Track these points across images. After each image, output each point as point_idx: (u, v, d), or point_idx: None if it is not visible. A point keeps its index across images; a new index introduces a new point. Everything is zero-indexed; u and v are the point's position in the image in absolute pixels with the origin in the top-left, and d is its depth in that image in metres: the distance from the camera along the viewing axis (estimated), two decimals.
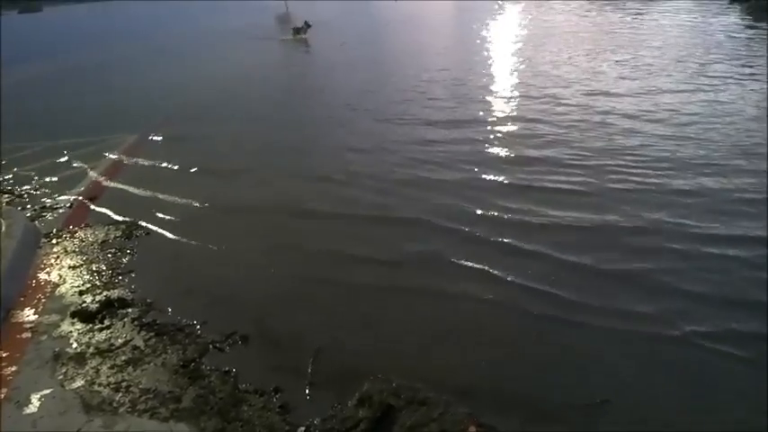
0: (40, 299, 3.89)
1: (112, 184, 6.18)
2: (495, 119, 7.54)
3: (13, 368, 3.15)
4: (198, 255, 4.46)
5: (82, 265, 4.36)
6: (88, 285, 4.04)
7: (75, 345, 3.36)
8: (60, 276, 4.20)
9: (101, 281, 4.10)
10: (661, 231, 4.25)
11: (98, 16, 40.85)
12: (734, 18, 15.85)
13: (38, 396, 2.92)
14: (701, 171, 5.33)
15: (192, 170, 6.41)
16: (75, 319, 3.60)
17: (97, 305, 3.73)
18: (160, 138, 7.99)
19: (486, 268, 3.88)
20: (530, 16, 20.56)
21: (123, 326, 3.53)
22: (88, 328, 3.52)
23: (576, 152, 6.02)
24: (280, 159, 6.60)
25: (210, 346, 3.28)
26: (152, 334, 3.41)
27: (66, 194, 5.95)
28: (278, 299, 3.79)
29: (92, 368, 3.13)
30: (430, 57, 13.53)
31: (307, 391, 2.88)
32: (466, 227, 4.49)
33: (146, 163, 6.83)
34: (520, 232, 4.35)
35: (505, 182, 5.36)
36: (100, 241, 4.75)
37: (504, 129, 7.08)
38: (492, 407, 2.69)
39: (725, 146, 5.94)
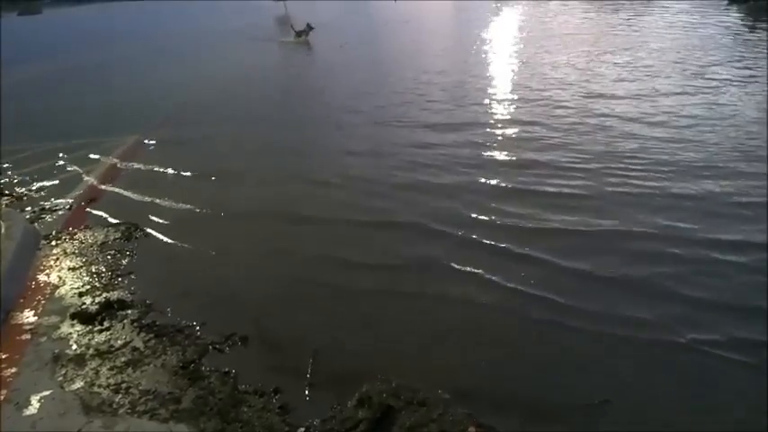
0: (39, 300, 3.89)
1: (112, 187, 6.18)
2: (493, 122, 7.53)
3: (13, 370, 3.16)
4: (197, 257, 4.46)
5: (81, 266, 4.36)
6: (88, 287, 4.04)
7: (74, 346, 3.36)
8: (60, 278, 4.20)
9: (100, 282, 4.10)
10: (660, 236, 4.23)
11: (98, 17, 40.86)
12: (733, 18, 15.88)
13: (37, 397, 2.92)
14: (701, 174, 5.30)
15: (191, 172, 6.40)
16: (75, 321, 3.61)
17: (97, 307, 3.73)
18: (159, 139, 7.99)
19: (484, 273, 3.86)
20: (528, 17, 20.59)
21: (123, 327, 3.53)
22: (88, 329, 3.53)
23: (575, 155, 6.00)
24: (278, 162, 6.59)
25: (210, 347, 3.28)
26: (151, 335, 3.41)
27: (65, 196, 5.95)
28: (276, 301, 3.79)
29: (91, 369, 3.13)
30: (429, 58, 13.55)
31: (306, 392, 2.89)
32: (464, 231, 4.48)
33: (145, 165, 6.83)
34: (518, 237, 4.32)
35: (504, 186, 5.35)
36: (99, 243, 4.75)
37: (503, 132, 7.07)
38: (491, 407, 2.70)
39: (725, 149, 5.92)
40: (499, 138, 6.86)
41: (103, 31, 29.33)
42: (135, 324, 3.55)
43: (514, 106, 8.27)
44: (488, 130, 7.19)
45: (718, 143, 6.09)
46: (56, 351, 3.30)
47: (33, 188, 6.28)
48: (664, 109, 7.47)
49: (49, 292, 4.01)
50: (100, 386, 2.99)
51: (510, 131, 7.06)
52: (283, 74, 13.67)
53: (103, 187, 6.16)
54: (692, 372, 2.87)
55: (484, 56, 13.02)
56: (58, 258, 4.52)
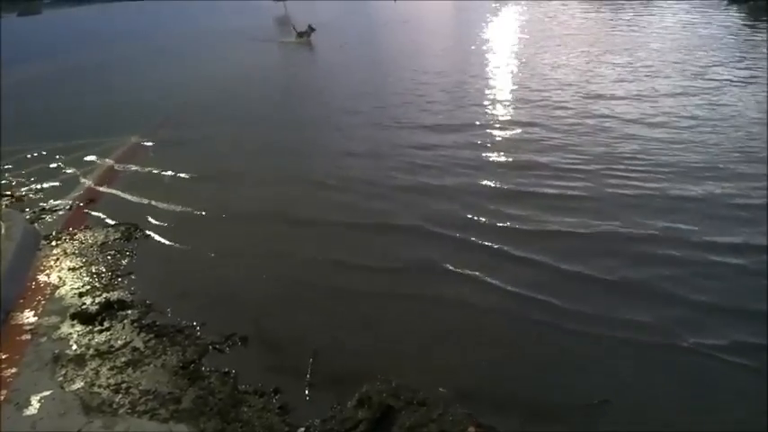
0: (39, 301, 3.89)
1: (112, 187, 6.18)
2: (493, 123, 7.52)
3: (13, 370, 3.16)
4: (197, 258, 4.46)
5: (81, 267, 4.37)
6: (88, 287, 4.04)
7: (74, 346, 3.36)
8: (60, 278, 4.20)
9: (100, 283, 4.11)
10: (660, 238, 4.21)
11: (98, 18, 40.88)
12: (733, 18, 15.89)
13: (38, 398, 2.92)
14: (701, 176, 5.28)
15: (191, 173, 6.39)
16: (75, 321, 3.61)
17: (97, 307, 3.73)
18: (159, 139, 7.99)
19: (484, 275, 3.85)
20: (527, 17, 20.60)
21: (123, 327, 3.53)
22: (88, 329, 3.53)
23: (574, 157, 5.99)
24: (278, 163, 6.59)
25: (210, 348, 3.29)
26: (152, 335, 3.42)
27: (65, 197, 5.95)
28: (276, 301, 3.80)
29: (91, 370, 3.13)
30: (428, 58, 13.56)
31: (306, 392, 2.89)
32: (464, 233, 4.47)
33: (145, 165, 6.82)
34: (518, 239, 4.31)
35: (504, 187, 5.33)
36: (99, 243, 4.76)
37: (503, 133, 7.06)
38: (491, 407, 2.71)
39: (725, 150, 5.90)
40: (499, 139, 6.86)
41: (103, 31, 29.35)
42: (135, 324, 3.55)
43: (514, 107, 8.27)
44: (488, 131, 7.19)
45: (719, 144, 6.08)
46: (56, 351, 3.31)
47: (33, 189, 6.28)
48: (664, 110, 7.46)
49: (49, 292, 4.01)
50: (100, 386, 2.99)
51: (509, 133, 7.06)
52: (283, 74, 13.68)
53: (103, 188, 6.16)
54: (692, 374, 2.87)
55: (483, 56, 13.02)
56: (58, 259, 4.52)
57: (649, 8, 19.71)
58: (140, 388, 2.96)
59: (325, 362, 3.11)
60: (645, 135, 6.52)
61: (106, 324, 3.57)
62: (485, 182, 5.49)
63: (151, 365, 3.14)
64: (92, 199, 5.81)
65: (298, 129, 8.11)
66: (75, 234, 4.97)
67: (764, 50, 10.90)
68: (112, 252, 4.58)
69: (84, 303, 3.81)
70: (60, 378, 3.07)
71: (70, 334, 3.49)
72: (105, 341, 3.39)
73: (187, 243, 4.69)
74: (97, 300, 3.84)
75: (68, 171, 6.78)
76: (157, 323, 3.55)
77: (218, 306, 3.74)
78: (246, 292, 3.91)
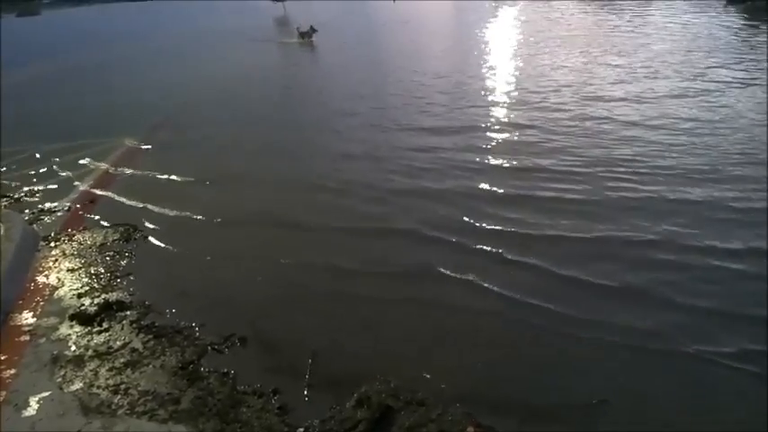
0: (38, 302, 3.89)
1: (111, 188, 6.17)
2: (491, 125, 7.49)
3: (12, 371, 3.16)
4: (195, 260, 4.45)
5: (80, 267, 4.36)
6: (86, 288, 4.04)
7: (73, 347, 3.36)
8: (59, 279, 4.20)
9: (99, 284, 4.11)
10: (659, 242, 4.19)
11: (97, 18, 40.85)
12: (732, 19, 15.90)
13: (36, 399, 2.93)
14: (701, 179, 5.25)
15: (189, 175, 6.37)
16: (74, 322, 3.61)
17: (96, 308, 3.73)
18: (158, 141, 7.97)
19: (482, 280, 3.82)
20: (526, 17, 20.61)
21: (122, 328, 3.53)
22: (87, 330, 3.53)
23: (573, 160, 5.96)
24: (277, 166, 6.54)
25: (209, 348, 3.29)
26: (150, 336, 3.42)
27: (64, 198, 5.95)
28: (275, 304, 3.79)
29: (90, 370, 3.14)
30: (427, 59, 13.55)
31: (305, 393, 2.90)
32: (462, 237, 4.44)
33: (144, 166, 6.81)
34: (516, 243, 4.29)
35: (502, 191, 5.30)
36: (98, 244, 4.76)
37: (502, 135, 7.04)
38: (490, 408, 2.71)
39: (725, 152, 5.87)
40: (497, 141, 6.84)
41: (103, 31, 29.27)
42: (134, 325, 3.55)
43: (513, 109, 8.25)
44: (486, 133, 7.16)
45: (719, 146, 6.05)
46: (55, 352, 3.31)
47: (32, 190, 6.27)
48: (663, 112, 7.44)
49: (48, 293, 4.01)
50: (99, 387, 2.99)
51: (508, 135, 7.03)
52: (282, 74, 13.66)
53: (102, 189, 6.15)
54: (691, 379, 2.86)
55: (482, 57, 13.03)
56: (56, 260, 4.52)
57: (648, 8, 19.72)
58: (139, 389, 2.96)
59: (324, 363, 3.12)
60: (644, 137, 6.50)
61: (105, 325, 3.57)
62: (483, 185, 5.46)
63: (150, 366, 3.15)
64: (91, 200, 5.81)
65: (297, 130, 8.10)
66: (74, 235, 4.97)
67: (764, 51, 10.91)
68: (111, 253, 4.59)
69: (83, 304, 3.81)
70: (59, 379, 3.07)
71: (69, 335, 3.49)
72: (104, 342, 3.40)
73: (186, 245, 4.68)
74: (96, 301, 3.84)
75: (67, 172, 6.77)
76: (156, 324, 3.55)
77: (217, 307, 3.74)
78: (245, 294, 3.91)
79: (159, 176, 6.39)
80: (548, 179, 5.50)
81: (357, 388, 2.87)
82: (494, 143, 6.78)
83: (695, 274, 3.76)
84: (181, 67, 15.43)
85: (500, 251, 4.19)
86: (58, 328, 3.56)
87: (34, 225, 5.23)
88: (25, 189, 6.30)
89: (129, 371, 3.11)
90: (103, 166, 6.92)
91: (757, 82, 8.67)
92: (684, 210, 4.68)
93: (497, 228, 4.58)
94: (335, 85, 11.42)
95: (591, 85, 9.27)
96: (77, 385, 3.02)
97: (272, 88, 11.70)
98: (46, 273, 4.32)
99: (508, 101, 8.75)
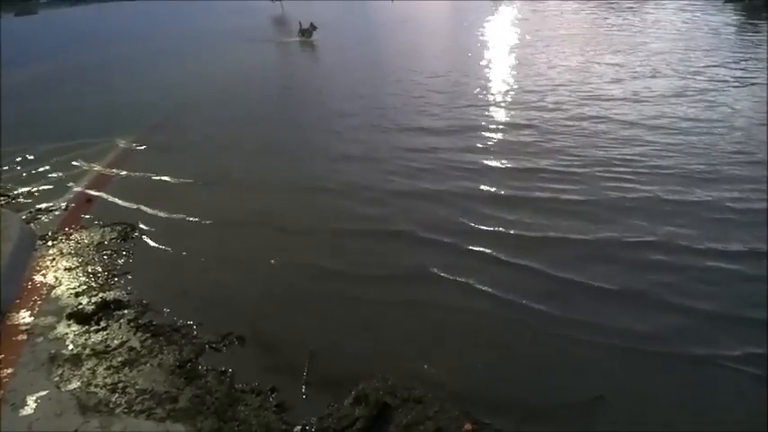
0: (35, 301, 3.89)
1: (109, 187, 6.17)
2: (489, 125, 7.46)
3: (9, 370, 3.15)
4: (193, 260, 4.44)
5: (78, 266, 4.36)
6: (84, 287, 4.04)
7: (71, 346, 3.36)
8: (56, 278, 4.20)
9: (97, 282, 4.10)
10: (658, 244, 4.15)
11: (95, 18, 40.80)
12: (730, 18, 15.91)
13: (34, 398, 2.93)
14: (700, 179, 5.22)
15: (188, 176, 6.34)
16: (71, 321, 3.61)
17: (93, 307, 3.73)
18: (157, 141, 7.97)
19: (481, 282, 3.79)
20: (524, 17, 20.60)
21: (119, 327, 3.53)
22: (84, 329, 3.53)
23: (572, 160, 5.92)
24: (276, 167, 6.48)
25: (207, 347, 3.29)
26: (148, 335, 3.42)
27: (61, 197, 5.94)
28: (273, 303, 3.78)
29: (88, 369, 3.13)
30: (426, 58, 13.54)
31: (303, 391, 2.90)
32: (460, 239, 4.40)
33: (143, 166, 6.80)
34: (514, 245, 4.25)
35: (500, 192, 5.27)
36: (95, 243, 4.75)
37: (500, 136, 7.01)
38: (487, 406, 2.72)
39: (724, 152, 5.84)
40: (495, 142, 6.80)
41: (101, 31, 29.25)
42: (131, 324, 3.55)
43: (511, 108, 8.24)
44: (484, 133, 7.12)
45: (717, 146, 6.03)
46: (52, 351, 3.30)
47: (30, 189, 6.26)
48: (662, 111, 7.42)
49: (45, 292, 4.01)
50: (96, 386, 2.99)
51: (506, 135, 7.00)
52: (281, 75, 13.63)
53: (100, 189, 6.14)
54: (691, 381, 2.85)
55: (480, 56, 13.01)
56: (54, 259, 4.51)
57: (646, 7, 19.73)
58: (137, 387, 2.96)
59: (322, 362, 3.12)
60: (642, 137, 6.47)
61: (102, 324, 3.57)
62: (481, 186, 5.43)
63: (148, 365, 3.15)
64: (88, 199, 5.80)
65: (296, 130, 8.06)
66: (71, 234, 4.96)
67: (763, 50, 10.91)
68: (109, 252, 4.58)
69: (81, 303, 3.80)
70: (57, 378, 3.07)
71: (66, 334, 3.49)
72: (102, 341, 3.39)
73: (184, 245, 4.67)
74: (93, 299, 3.84)
75: (65, 171, 6.76)
76: (154, 323, 3.55)
77: (215, 306, 3.74)
78: (243, 294, 3.90)
79: (157, 177, 6.37)
80: (545, 179, 5.48)
81: (355, 386, 2.87)
82: (492, 143, 6.75)
83: (694, 276, 3.73)
84: (179, 66, 15.40)
85: (498, 253, 4.17)
86: (55, 327, 3.56)
87: (31, 224, 5.23)
88: (22, 188, 6.29)
89: (126, 369, 3.11)
90: (100, 166, 6.90)
91: (756, 81, 8.66)
92: (683, 210, 4.65)
93: (495, 229, 4.55)
94: (335, 85, 11.40)
95: (589, 84, 9.26)
96: (75, 384, 3.01)
97: (271, 88, 11.68)
98: (43, 272, 4.31)
99: (506, 100, 8.73)
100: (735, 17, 16.03)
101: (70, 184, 6.33)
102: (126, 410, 2.80)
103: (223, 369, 3.08)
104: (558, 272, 3.87)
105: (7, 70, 15.31)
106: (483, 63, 12.15)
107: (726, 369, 2.90)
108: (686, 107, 7.55)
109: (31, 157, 7.36)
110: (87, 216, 5.40)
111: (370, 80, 11.30)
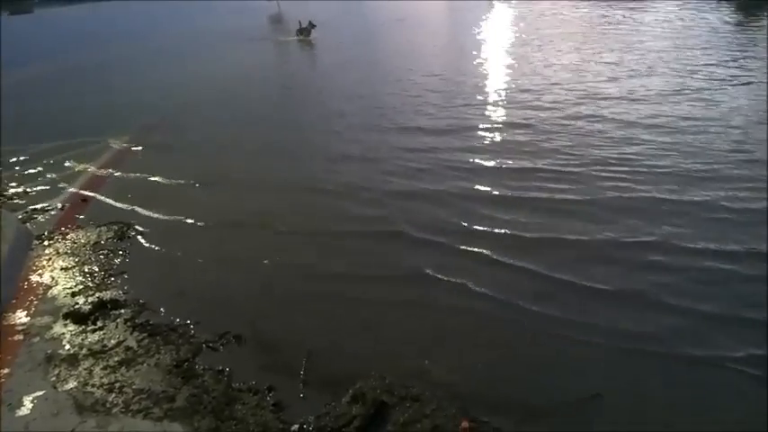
0: (32, 301, 3.87)
1: (105, 187, 6.16)
2: (486, 125, 7.44)
3: (6, 371, 3.14)
4: (191, 259, 4.43)
5: (74, 266, 4.35)
6: (81, 287, 4.03)
7: (67, 346, 3.35)
8: (53, 278, 4.18)
9: (93, 282, 4.09)
10: (655, 244, 4.13)
11: (91, 17, 40.65)
12: (725, 16, 15.95)
13: (30, 398, 2.92)
14: (698, 179, 5.20)
15: (186, 176, 6.32)
16: (68, 321, 3.60)
17: (90, 306, 3.72)
18: (155, 141, 7.96)
19: (478, 284, 3.77)
20: (521, 16, 20.60)
21: (116, 327, 3.52)
22: (81, 329, 3.52)
23: (568, 160, 5.89)
24: (274, 167, 6.44)
25: (204, 346, 3.29)
26: (145, 334, 3.41)
27: (57, 196, 5.92)
28: (270, 303, 3.78)
29: (85, 369, 3.13)
30: (423, 58, 13.54)
31: (300, 390, 2.90)
32: (458, 240, 4.37)
33: (139, 168, 6.78)
34: (512, 246, 4.23)
35: (498, 193, 5.24)
36: (92, 243, 4.74)
37: (496, 136, 6.98)
38: (485, 404, 2.72)
39: (722, 152, 5.81)
40: (493, 142, 6.79)
41: (98, 31, 29.18)
42: (128, 323, 3.54)
43: (507, 108, 8.22)
44: (481, 133, 7.11)
45: (714, 146, 6.00)
46: (48, 351, 3.30)
47: (26, 188, 6.24)
48: (658, 110, 7.41)
49: (41, 292, 3.99)
50: (93, 386, 2.99)
51: (503, 135, 6.98)
52: (280, 74, 13.63)
53: (97, 188, 6.13)
54: (689, 381, 2.85)
55: (477, 56, 13.00)
56: (50, 258, 4.50)
57: (641, 6, 19.75)
58: (134, 387, 2.96)
59: (319, 361, 3.12)
60: (639, 136, 6.44)
61: (99, 323, 3.56)
62: (479, 186, 5.41)
63: (145, 364, 3.14)
64: (84, 199, 5.79)
65: (295, 130, 8.04)
66: (68, 234, 4.95)
67: (759, 48, 10.94)
68: (105, 251, 4.57)
69: (77, 303, 3.79)
70: (53, 378, 3.06)
71: (63, 334, 3.48)
72: (98, 340, 3.39)
73: (181, 245, 4.66)
74: (90, 299, 3.83)
75: (61, 171, 6.74)
76: (151, 322, 3.55)
77: (213, 306, 3.74)
78: (241, 294, 3.89)
79: (155, 177, 6.35)
80: (542, 179, 5.45)
81: (352, 385, 2.87)
82: (489, 143, 6.74)
83: (691, 276, 3.72)
84: (176, 66, 15.38)
85: (495, 254, 4.14)
86: (51, 327, 3.55)
87: (28, 224, 5.21)
88: (19, 188, 6.27)
89: (123, 369, 3.11)
90: (97, 166, 6.89)
91: (753, 80, 8.66)
92: (680, 210, 4.63)
93: (492, 230, 4.52)
94: (333, 85, 11.38)
95: (585, 83, 9.24)
96: (72, 384, 3.01)
97: (269, 88, 11.68)
98: (39, 271, 4.30)
99: (502, 99, 8.73)
100: (729, 15, 16.07)
101: (66, 184, 6.32)
102: (123, 410, 2.79)
103: (220, 368, 3.07)
104: (555, 273, 3.85)
105: (6, 70, 15.26)
106: (479, 62, 12.15)
107: (724, 370, 2.89)
108: (683, 106, 7.55)
109: (27, 157, 7.34)
110: (83, 216, 5.39)
111: (369, 79, 11.29)
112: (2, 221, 4.68)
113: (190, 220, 5.14)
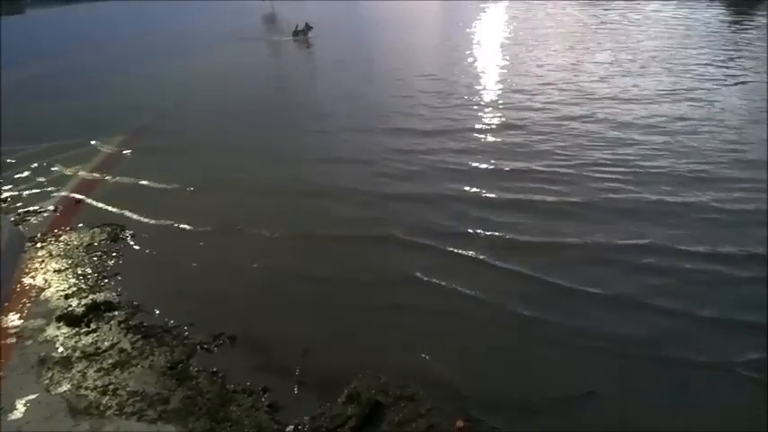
0: (24, 303, 3.84)
1: (99, 189, 6.12)
2: (479, 127, 7.41)
3: None
4: (183, 261, 4.41)
5: (67, 268, 4.32)
6: (74, 289, 4.00)
7: (60, 349, 3.33)
8: (46, 280, 4.15)
9: (87, 284, 4.07)
10: (650, 247, 4.11)
11: (84, 18, 40.43)
12: (718, 14, 16.06)
13: (23, 401, 2.90)
14: (691, 179, 5.21)
15: (182, 177, 6.30)
16: (61, 323, 3.57)
17: (83, 308, 3.70)
18: (150, 142, 7.95)
19: (470, 287, 3.77)
20: (515, 16, 20.66)
21: (110, 329, 3.51)
22: (74, 331, 3.50)
23: (561, 162, 5.87)
24: (266, 171, 6.40)
25: (198, 348, 3.28)
26: (139, 336, 3.40)
27: (50, 198, 5.88)
28: (264, 304, 3.79)
29: (78, 372, 3.11)
30: (418, 57, 13.57)
31: (295, 390, 2.89)
32: (451, 244, 4.36)
33: (132, 169, 6.76)
34: (503, 249, 4.23)
35: (488, 195, 5.22)
36: (85, 245, 4.71)
37: (490, 138, 6.96)
38: (480, 403, 2.74)
39: (714, 152, 5.82)
40: (485, 143, 6.76)
41: (92, 31, 29.02)
42: (122, 325, 3.53)
43: (500, 109, 8.19)
44: (475, 135, 7.07)
45: (708, 146, 6.01)
46: (41, 354, 3.27)
47: (19, 190, 6.19)
48: (652, 110, 7.41)
49: (34, 294, 3.96)
50: (87, 388, 2.97)
51: (496, 137, 6.96)
52: (272, 75, 13.59)
53: (90, 190, 6.08)
54: (679, 384, 2.86)
55: (470, 55, 13.03)
56: (43, 260, 4.47)
57: (635, 5, 19.84)
58: (128, 389, 2.94)
59: (314, 361, 3.12)
60: (634, 137, 6.43)
61: (93, 326, 3.54)
62: (472, 188, 5.38)
63: (139, 366, 3.13)
64: (78, 200, 5.75)
65: (286, 132, 8.04)
66: (61, 236, 4.91)
67: (751, 47, 11.00)
68: (99, 253, 4.54)
69: (71, 305, 3.77)
70: (46, 381, 3.05)
71: (56, 336, 3.45)
72: (92, 343, 3.37)
73: (173, 248, 4.65)
74: (83, 301, 3.80)
75: (53, 173, 6.69)
76: (145, 324, 3.53)
77: (207, 307, 3.72)
78: (234, 297, 3.89)
79: (145, 181, 6.30)
80: (536, 181, 5.44)
81: (347, 385, 2.87)
82: (482, 144, 6.71)
83: (685, 278, 3.72)
84: (169, 67, 15.34)
85: (487, 257, 4.13)
86: (44, 330, 3.52)
87: (20, 226, 5.17)
88: (11, 190, 6.22)
89: (117, 371, 3.09)
90: (89, 169, 6.83)
91: (746, 79, 8.71)
92: (674, 212, 4.63)
93: (485, 233, 4.50)
94: (326, 85, 11.38)
95: (578, 83, 9.26)
96: (65, 387, 2.99)
97: (262, 88, 11.63)
98: (32, 274, 4.27)
99: (495, 100, 8.71)
100: (722, 13, 16.17)
101: (58, 186, 6.26)
102: (117, 412, 2.78)
103: (215, 370, 3.07)
104: (547, 276, 3.83)
105: (7, 70, 15.19)
106: (473, 62, 12.16)
107: (722, 373, 2.89)
108: (677, 105, 7.57)
109: (20, 159, 7.28)
110: (76, 218, 5.35)
111: (362, 80, 11.26)
112: None
113: (181, 223, 5.07)
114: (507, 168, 5.85)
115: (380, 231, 4.68)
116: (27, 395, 2.94)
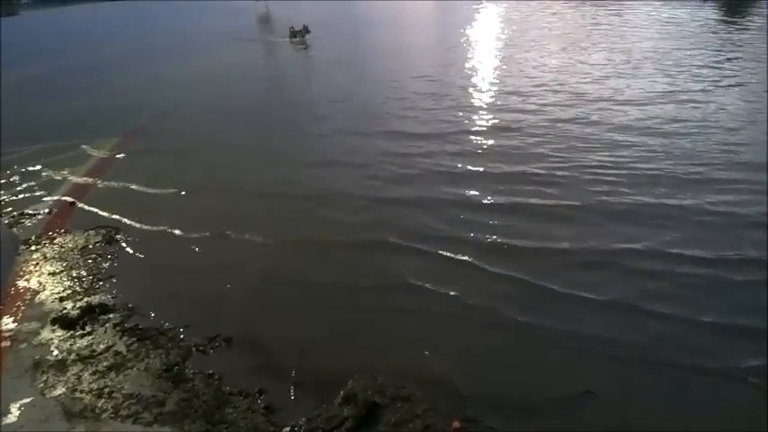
0: (19, 306, 3.83)
1: (94, 190, 6.10)
2: (475, 129, 7.38)
3: None
4: (179, 264, 4.41)
5: (62, 271, 4.30)
6: (69, 291, 3.99)
7: (55, 352, 3.32)
8: (40, 283, 4.14)
9: (81, 287, 4.05)
10: (646, 252, 4.09)
11: (80, 19, 40.27)
12: (712, 15, 16.15)
13: (18, 405, 2.89)
14: (686, 181, 5.20)
15: (178, 178, 6.30)
16: (56, 326, 3.56)
17: (78, 311, 3.68)
18: (147, 143, 7.92)
19: (460, 292, 3.75)
20: (510, 16, 20.72)
21: (105, 331, 3.49)
22: (69, 334, 3.48)
23: (556, 165, 5.84)
24: (260, 174, 6.37)
25: (194, 350, 3.27)
26: (134, 339, 3.39)
27: (45, 200, 5.85)
28: (259, 306, 3.77)
29: (73, 375, 3.10)
30: (412, 58, 13.58)
31: (291, 392, 2.89)
32: (445, 248, 4.33)
33: (128, 172, 6.73)
34: (498, 254, 4.20)
35: (483, 199, 5.19)
36: (80, 247, 4.69)
37: (485, 140, 6.92)
38: (477, 403, 2.74)
39: (710, 155, 5.78)
40: (481, 146, 6.73)
41: (93, 32, 28.90)
42: (117, 328, 3.52)
43: (495, 111, 8.16)
44: (469, 137, 7.04)
45: (703, 149, 5.98)
46: (36, 357, 3.26)
47: (13, 192, 6.16)
48: (647, 113, 7.40)
49: (29, 297, 3.95)
50: (82, 391, 2.96)
51: (491, 139, 6.92)
52: (266, 76, 13.57)
53: (85, 191, 6.07)
54: (677, 388, 2.86)
55: (465, 57, 13.03)
56: (38, 263, 4.45)
57: (630, 6, 19.94)
58: (123, 392, 2.94)
59: (310, 363, 3.11)
60: (629, 139, 6.41)
61: (88, 328, 3.53)
62: (467, 192, 5.35)
63: (134, 369, 3.12)
64: (72, 202, 5.72)
65: (281, 135, 7.98)
66: (56, 238, 4.89)
67: (745, 48, 11.05)
68: (94, 256, 4.53)
69: (65, 308, 3.75)
70: (41, 384, 3.03)
71: (51, 339, 3.44)
72: (87, 346, 3.36)
73: (168, 251, 4.63)
74: (78, 304, 3.79)
75: (48, 175, 6.66)
76: (140, 326, 3.52)
77: (202, 310, 3.71)
78: (230, 300, 3.87)
79: (139, 186, 6.23)
80: (531, 184, 5.42)
81: (344, 386, 2.87)
82: (477, 147, 6.69)
83: (682, 282, 3.70)
84: (164, 67, 15.31)
85: (482, 262, 4.11)
86: (39, 333, 3.51)
87: (15, 228, 5.14)
88: (5, 192, 6.18)
89: (112, 374, 3.08)
90: (82, 172, 6.80)
91: (740, 80, 8.74)
92: (670, 215, 4.61)
93: (480, 237, 4.47)
94: (321, 87, 11.34)
95: (573, 84, 9.27)
96: (60, 390, 2.98)
97: (257, 90, 11.62)
98: (27, 277, 4.25)
99: (490, 102, 8.70)
100: (716, 14, 16.27)
101: (53, 188, 6.24)
102: (113, 415, 2.77)
103: (210, 372, 3.06)
104: (542, 281, 3.82)
105: (7, 70, 15.13)
106: (468, 63, 12.16)
107: (717, 376, 2.89)
108: (671, 107, 7.57)
109: (15, 160, 7.24)
110: (71, 220, 5.33)
111: (357, 81, 11.25)
112: None
113: (176, 226, 5.03)
114: (502, 171, 5.82)
115: (376, 235, 4.64)
116: (22, 399, 2.93)
